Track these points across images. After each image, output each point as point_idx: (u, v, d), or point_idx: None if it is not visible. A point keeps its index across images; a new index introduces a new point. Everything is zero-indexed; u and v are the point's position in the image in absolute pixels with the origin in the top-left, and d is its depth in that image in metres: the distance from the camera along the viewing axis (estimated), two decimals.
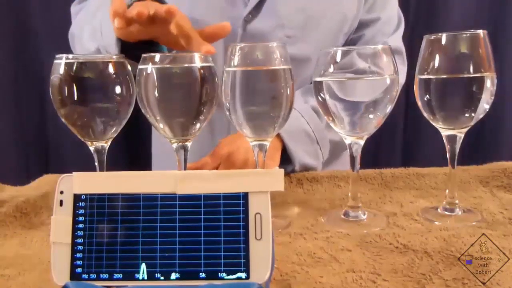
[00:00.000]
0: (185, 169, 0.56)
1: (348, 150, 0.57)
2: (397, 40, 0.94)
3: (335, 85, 0.53)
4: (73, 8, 0.94)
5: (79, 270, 0.37)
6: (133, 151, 1.36)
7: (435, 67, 0.53)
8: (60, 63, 0.51)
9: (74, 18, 0.92)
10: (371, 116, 0.53)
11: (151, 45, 0.68)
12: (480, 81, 0.52)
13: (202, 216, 0.37)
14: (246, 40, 0.84)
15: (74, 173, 0.38)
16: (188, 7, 0.85)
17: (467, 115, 0.53)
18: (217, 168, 0.77)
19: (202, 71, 0.51)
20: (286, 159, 0.80)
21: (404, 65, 0.95)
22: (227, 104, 0.53)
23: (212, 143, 0.89)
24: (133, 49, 0.66)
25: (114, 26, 0.61)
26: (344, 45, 0.94)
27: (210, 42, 0.65)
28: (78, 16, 0.90)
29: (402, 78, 0.91)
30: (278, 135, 0.79)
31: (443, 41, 0.53)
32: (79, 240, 0.37)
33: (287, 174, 0.76)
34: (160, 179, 0.38)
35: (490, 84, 0.52)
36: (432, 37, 0.54)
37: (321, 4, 0.88)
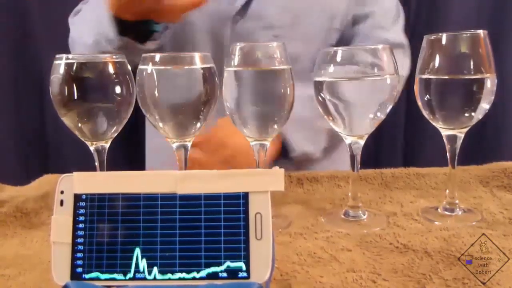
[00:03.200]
0: (185, 168, 0.56)
1: (348, 150, 0.57)
2: (397, 33, 0.92)
3: (335, 85, 0.53)
4: (71, 19, 0.94)
5: (79, 269, 0.37)
6: (133, 151, 1.36)
7: (435, 67, 0.53)
8: (60, 63, 0.51)
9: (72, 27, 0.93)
10: (371, 115, 0.53)
11: (145, 24, 0.68)
12: (480, 81, 0.52)
13: (202, 216, 0.37)
14: (234, 41, 0.84)
15: (75, 173, 0.38)
16: None
17: (467, 115, 0.54)
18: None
19: (202, 71, 0.51)
20: (284, 148, 0.80)
21: (407, 58, 0.93)
22: (227, 104, 0.53)
23: None
24: (129, 30, 0.67)
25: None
26: (339, 42, 0.92)
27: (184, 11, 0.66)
28: (74, 25, 0.91)
29: (405, 71, 0.89)
30: None
31: (443, 41, 0.53)
32: (80, 240, 0.37)
33: (287, 173, 0.76)
34: (160, 179, 0.38)
35: (490, 84, 0.52)
36: (432, 37, 0.54)
37: (307, 2, 0.87)
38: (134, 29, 0.71)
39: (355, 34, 0.92)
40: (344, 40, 0.92)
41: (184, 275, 0.36)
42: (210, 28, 0.86)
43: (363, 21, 0.91)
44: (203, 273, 0.36)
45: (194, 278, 0.36)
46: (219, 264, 0.36)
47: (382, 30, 0.90)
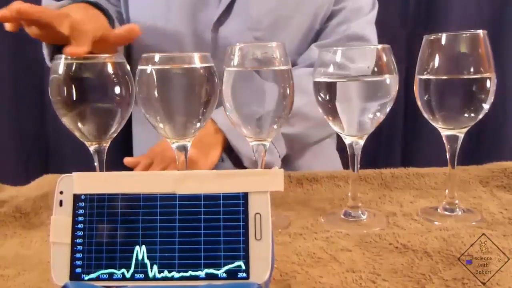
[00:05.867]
0: (185, 169, 0.56)
1: (348, 150, 0.57)
2: (361, 26, 0.90)
3: (335, 85, 0.53)
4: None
5: (78, 270, 0.37)
6: (132, 151, 1.36)
7: (435, 67, 0.53)
8: (60, 63, 0.51)
9: None
10: (370, 115, 0.53)
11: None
12: (480, 81, 0.52)
13: (202, 216, 0.37)
14: (217, 43, 0.85)
15: (74, 173, 0.38)
16: (162, 11, 0.86)
17: (467, 115, 0.53)
18: (149, 167, 0.78)
19: (202, 71, 0.51)
20: (233, 155, 0.80)
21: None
22: (227, 104, 0.53)
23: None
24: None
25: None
26: (314, 40, 0.91)
27: (118, 45, 0.65)
28: None
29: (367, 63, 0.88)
30: (219, 131, 0.79)
31: (443, 41, 0.53)
32: (79, 240, 0.37)
33: (286, 174, 0.76)
34: (160, 179, 0.38)
35: (490, 84, 0.52)
36: (432, 37, 0.54)
37: (293, 3, 0.86)
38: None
39: (322, 30, 0.90)
40: (317, 37, 0.91)
41: (183, 275, 0.36)
42: (193, 31, 0.86)
43: (333, 17, 0.90)
44: (203, 273, 0.36)
45: (193, 279, 0.36)
46: (219, 264, 0.36)
47: (346, 25, 0.88)
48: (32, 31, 0.58)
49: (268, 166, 0.80)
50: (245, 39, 0.84)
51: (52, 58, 0.64)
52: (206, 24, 0.85)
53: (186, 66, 0.51)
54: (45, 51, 0.70)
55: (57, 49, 0.66)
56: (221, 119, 0.78)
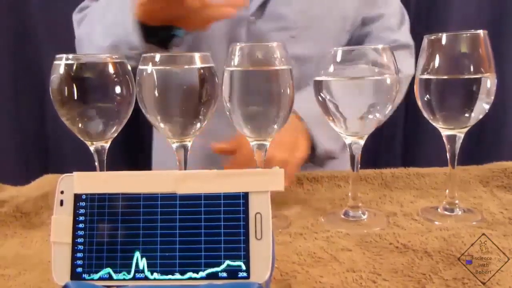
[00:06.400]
0: (185, 169, 0.56)
1: (348, 150, 0.57)
2: (405, 34, 0.96)
3: (335, 85, 0.53)
4: (75, 16, 0.93)
5: (79, 270, 0.37)
6: (133, 151, 1.36)
7: (435, 67, 0.53)
8: (60, 63, 0.51)
9: (78, 26, 0.91)
10: (370, 116, 0.53)
11: (169, 30, 0.68)
12: (480, 81, 0.52)
13: (202, 216, 0.37)
14: (251, 42, 0.84)
15: (75, 173, 0.38)
16: None
17: (467, 115, 0.53)
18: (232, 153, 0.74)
19: (202, 71, 0.51)
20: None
21: (412, 57, 0.95)
22: (227, 104, 0.53)
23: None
24: (152, 36, 0.66)
25: (138, 5, 0.60)
26: (349, 42, 0.94)
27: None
28: (83, 23, 0.89)
29: (411, 70, 0.89)
30: (300, 120, 0.77)
31: (443, 41, 0.53)
32: (80, 240, 0.37)
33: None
34: (160, 179, 0.38)
35: (490, 84, 0.52)
36: (432, 37, 0.54)
37: (323, 4, 0.88)
38: (156, 34, 0.70)
39: (365, 35, 0.94)
40: (353, 41, 0.94)
41: (184, 274, 0.36)
42: (226, 30, 0.86)
43: (373, 23, 0.93)
44: (203, 273, 0.36)
45: (194, 278, 0.36)
46: (219, 264, 0.36)
47: (391, 32, 0.93)
48: (158, 3, 0.61)
49: (331, 154, 0.80)
50: (278, 38, 0.85)
51: (147, 40, 0.66)
52: (238, 24, 0.85)
53: (186, 66, 0.51)
54: (137, 35, 0.69)
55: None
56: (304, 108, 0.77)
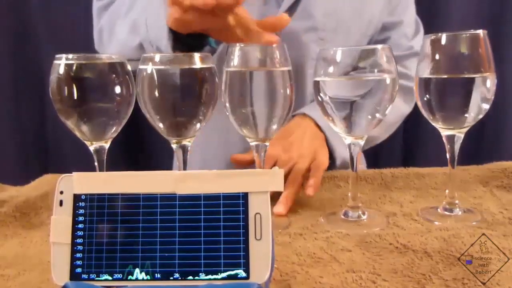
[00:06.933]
0: (184, 169, 0.56)
1: (348, 150, 0.57)
2: (419, 44, 0.96)
3: (335, 85, 0.53)
4: (97, 3, 0.91)
5: (79, 270, 0.37)
6: (133, 151, 1.36)
7: (435, 67, 0.53)
8: (60, 63, 0.51)
9: (99, 14, 0.90)
10: (369, 116, 0.53)
11: (200, 38, 0.67)
12: (480, 81, 0.52)
13: (202, 216, 0.37)
14: (282, 42, 0.84)
15: (74, 173, 0.38)
16: None
17: (467, 115, 0.53)
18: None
19: (202, 71, 0.51)
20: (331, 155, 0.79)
21: None
22: (227, 105, 0.53)
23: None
24: (182, 43, 0.66)
25: (170, 15, 0.60)
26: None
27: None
28: (107, 13, 0.88)
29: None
30: (319, 128, 0.77)
31: (443, 41, 0.53)
32: (79, 240, 0.37)
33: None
34: (160, 179, 0.38)
35: (490, 84, 0.52)
36: (432, 37, 0.54)
37: (351, 8, 0.88)
38: (186, 42, 0.68)
39: (383, 40, 0.94)
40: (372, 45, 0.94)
41: (183, 275, 0.36)
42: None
43: (392, 29, 0.94)
44: (203, 273, 0.36)
45: (193, 278, 0.36)
46: (219, 264, 0.36)
47: (407, 39, 0.94)
48: (190, 17, 0.60)
49: (347, 164, 0.79)
50: (308, 39, 0.85)
51: (175, 48, 0.66)
52: None
53: (186, 66, 0.51)
54: (167, 42, 0.68)
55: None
56: (318, 116, 0.76)
